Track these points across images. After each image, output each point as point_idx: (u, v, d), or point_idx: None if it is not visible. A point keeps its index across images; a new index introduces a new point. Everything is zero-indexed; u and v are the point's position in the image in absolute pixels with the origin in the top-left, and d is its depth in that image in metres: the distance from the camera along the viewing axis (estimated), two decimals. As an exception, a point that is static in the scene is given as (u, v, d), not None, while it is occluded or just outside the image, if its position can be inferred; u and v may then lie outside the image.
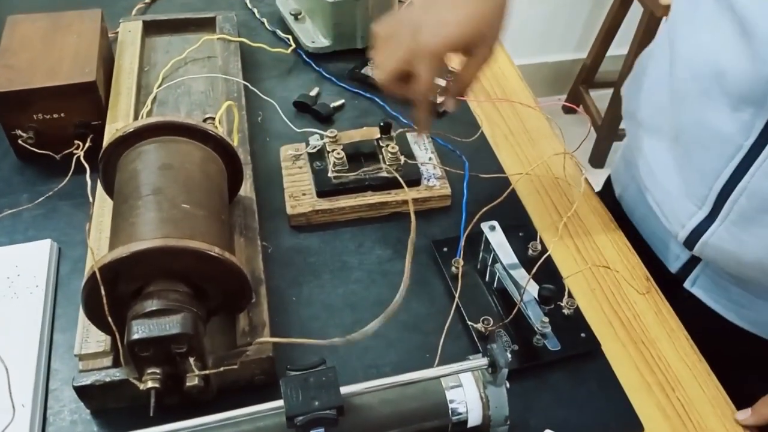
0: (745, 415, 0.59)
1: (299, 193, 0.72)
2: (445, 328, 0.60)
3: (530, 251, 0.67)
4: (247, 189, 0.69)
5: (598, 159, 2.22)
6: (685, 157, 0.64)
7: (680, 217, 0.66)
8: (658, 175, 0.69)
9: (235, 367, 0.53)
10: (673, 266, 0.73)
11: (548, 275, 0.64)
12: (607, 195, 0.85)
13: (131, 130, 0.59)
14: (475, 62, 0.63)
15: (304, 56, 0.92)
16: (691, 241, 0.66)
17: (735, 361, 0.64)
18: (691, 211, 0.64)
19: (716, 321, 0.70)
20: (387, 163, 0.72)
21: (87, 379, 0.53)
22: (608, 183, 0.88)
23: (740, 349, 0.66)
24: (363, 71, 0.89)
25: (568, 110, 2.34)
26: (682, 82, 0.63)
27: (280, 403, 0.46)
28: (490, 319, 0.61)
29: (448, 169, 0.75)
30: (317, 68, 0.91)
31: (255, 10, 0.99)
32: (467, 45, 0.62)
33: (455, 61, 0.64)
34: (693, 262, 0.71)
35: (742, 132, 0.57)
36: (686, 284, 0.72)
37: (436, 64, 0.61)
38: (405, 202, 0.71)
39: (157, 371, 0.50)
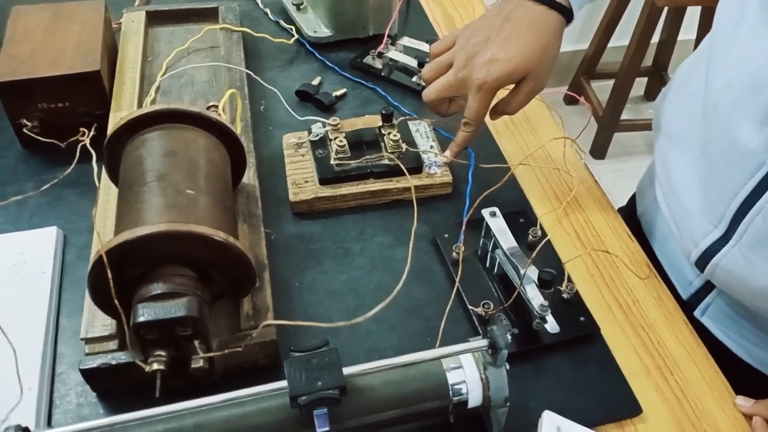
0: (746, 403, 0.59)
1: (302, 181, 0.72)
2: (446, 312, 0.61)
3: (530, 237, 0.67)
4: (250, 176, 0.70)
5: (599, 150, 2.23)
6: (708, 172, 0.63)
7: (695, 236, 0.65)
8: (680, 190, 0.68)
9: (239, 350, 0.54)
10: (686, 292, 0.73)
11: (548, 260, 0.65)
12: (628, 212, 0.85)
13: (136, 117, 0.59)
14: (521, 94, 0.68)
15: (307, 45, 0.93)
16: (702, 261, 0.65)
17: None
18: (707, 229, 0.63)
19: (725, 356, 0.67)
20: (389, 151, 0.73)
21: (93, 363, 0.54)
22: (632, 200, 0.88)
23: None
24: (365, 61, 0.90)
25: (569, 101, 2.35)
26: (716, 92, 0.62)
27: (283, 383, 0.47)
28: (491, 303, 0.62)
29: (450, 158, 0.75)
30: (320, 58, 0.91)
31: (258, 1, 1.00)
32: (516, 81, 0.67)
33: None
34: (705, 290, 0.70)
35: (767, 148, 0.56)
36: (696, 313, 0.71)
37: (485, 98, 0.67)
38: (406, 189, 0.72)
39: (163, 354, 0.51)
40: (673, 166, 0.70)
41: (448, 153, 0.72)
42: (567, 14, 0.67)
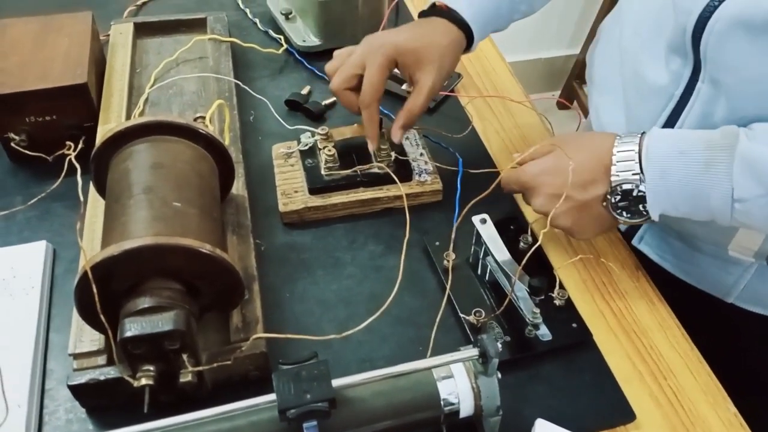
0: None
1: (291, 191, 0.72)
2: (437, 320, 0.61)
3: (521, 244, 0.67)
4: (239, 187, 0.69)
5: (593, 154, 2.22)
6: (628, 111, 0.70)
7: None
8: (608, 129, 0.73)
9: (229, 362, 0.54)
10: (622, 225, 0.76)
11: (540, 267, 0.65)
12: None
13: (122, 129, 0.59)
14: (421, 91, 0.69)
15: (296, 55, 0.93)
16: None
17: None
18: None
19: (663, 277, 0.73)
20: (378, 159, 0.73)
21: (81, 378, 0.54)
22: None
23: (686, 302, 0.69)
24: (354, 69, 0.90)
25: (562, 106, 2.35)
26: (627, 38, 0.70)
27: (272, 396, 0.46)
28: (482, 311, 0.61)
29: (439, 165, 0.75)
30: (309, 67, 0.91)
31: (247, 11, 1.00)
32: (408, 60, 0.68)
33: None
34: None
35: (673, 82, 0.63)
36: (634, 241, 0.77)
37: (380, 61, 0.67)
38: (397, 197, 0.72)
39: (151, 368, 0.51)
40: (601, 110, 0.77)
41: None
42: (466, 30, 0.71)
